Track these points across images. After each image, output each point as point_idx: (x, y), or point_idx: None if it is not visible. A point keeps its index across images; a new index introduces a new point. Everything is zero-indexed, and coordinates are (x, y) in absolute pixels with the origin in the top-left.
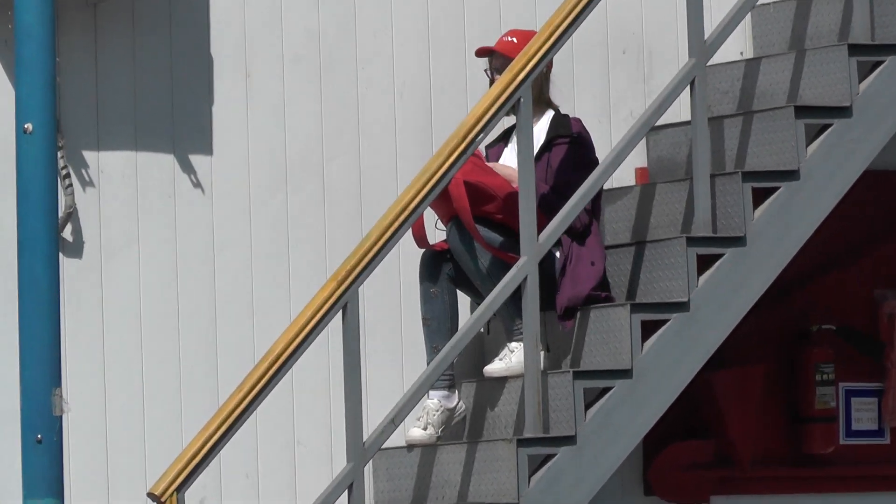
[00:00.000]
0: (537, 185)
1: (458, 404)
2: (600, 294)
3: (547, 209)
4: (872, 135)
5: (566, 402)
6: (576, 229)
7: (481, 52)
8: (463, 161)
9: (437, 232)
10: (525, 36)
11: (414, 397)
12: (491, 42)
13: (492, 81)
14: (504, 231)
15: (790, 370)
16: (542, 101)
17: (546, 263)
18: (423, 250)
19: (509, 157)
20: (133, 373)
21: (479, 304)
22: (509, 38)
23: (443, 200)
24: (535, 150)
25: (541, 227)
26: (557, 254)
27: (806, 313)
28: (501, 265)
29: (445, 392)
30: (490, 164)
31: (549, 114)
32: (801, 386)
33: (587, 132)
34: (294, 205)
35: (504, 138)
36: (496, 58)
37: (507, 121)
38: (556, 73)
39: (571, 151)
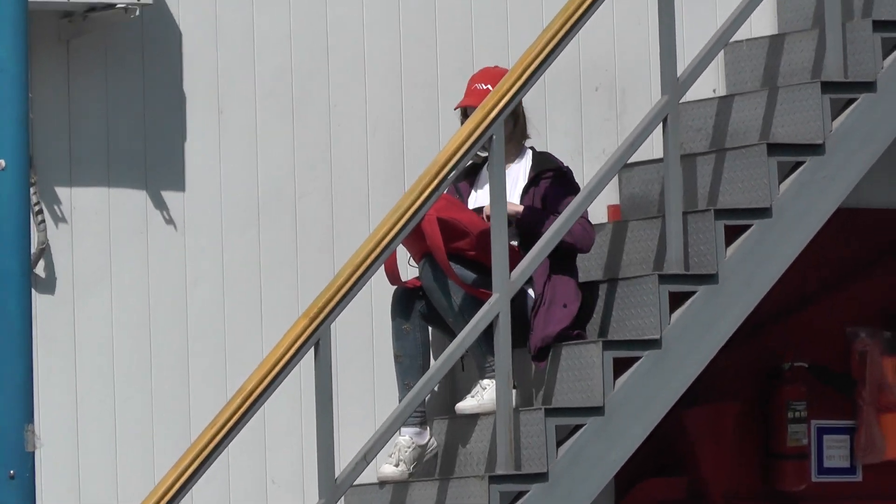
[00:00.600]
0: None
1: (429, 441)
2: (571, 332)
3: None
4: (845, 172)
5: (538, 440)
6: (584, 247)
7: (459, 107)
8: (436, 198)
9: (409, 269)
10: (495, 78)
11: (386, 434)
12: (464, 81)
13: None
14: (477, 268)
15: (762, 407)
16: (524, 138)
17: (518, 301)
18: (396, 287)
19: (482, 198)
20: (106, 408)
21: (450, 342)
22: (483, 87)
23: (415, 237)
24: (521, 187)
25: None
26: (531, 291)
27: (778, 351)
28: (474, 302)
29: (417, 429)
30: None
31: (529, 152)
32: (774, 423)
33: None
34: (266, 240)
35: (469, 175)
36: (472, 110)
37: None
38: (529, 110)
39: (557, 182)
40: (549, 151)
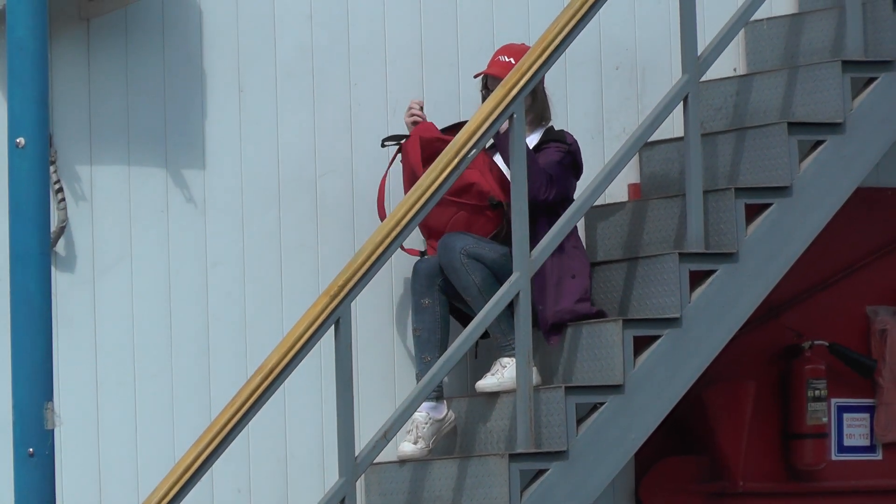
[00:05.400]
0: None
1: (447, 414)
2: (591, 309)
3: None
4: (865, 151)
5: (558, 418)
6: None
7: (479, 75)
8: (456, 176)
9: (420, 243)
10: (519, 54)
11: (406, 412)
12: (484, 60)
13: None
14: (495, 246)
15: (782, 386)
16: (545, 118)
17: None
18: (416, 262)
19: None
20: (125, 387)
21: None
22: (506, 59)
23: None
24: None
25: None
26: None
27: (798, 330)
28: (493, 281)
29: (433, 403)
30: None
31: (543, 129)
32: (793, 402)
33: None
34: (287, 220)
35: (491, 147)
36: (492, 80)
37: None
38: (549, 88)
39: (561, 151)
40: (566, 130)
